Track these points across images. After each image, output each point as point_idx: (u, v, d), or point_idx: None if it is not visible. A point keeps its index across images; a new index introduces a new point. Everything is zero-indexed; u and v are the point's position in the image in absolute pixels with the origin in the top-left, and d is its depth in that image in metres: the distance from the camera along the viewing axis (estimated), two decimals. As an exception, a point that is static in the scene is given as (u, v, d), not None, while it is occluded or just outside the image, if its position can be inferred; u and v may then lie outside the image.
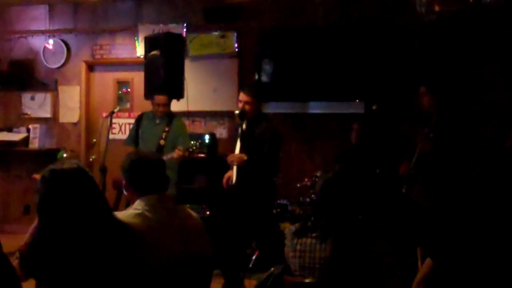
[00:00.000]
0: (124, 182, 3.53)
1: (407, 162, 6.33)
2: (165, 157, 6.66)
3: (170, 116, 7.01)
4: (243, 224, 6.23)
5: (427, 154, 5.96)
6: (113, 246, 3.04)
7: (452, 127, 6.00)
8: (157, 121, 6.96)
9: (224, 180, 6.37)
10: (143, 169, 3.50)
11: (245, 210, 6.15)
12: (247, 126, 6.24)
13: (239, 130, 6.27)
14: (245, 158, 6.09)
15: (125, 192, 3.59)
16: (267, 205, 6.41)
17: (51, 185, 3.03)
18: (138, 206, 3.38)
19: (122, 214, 3.35)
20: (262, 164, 6.16)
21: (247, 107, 6.20)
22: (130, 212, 3.36)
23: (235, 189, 6.21)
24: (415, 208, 6.09)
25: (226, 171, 6.41)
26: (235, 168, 6.19)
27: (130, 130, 7.34)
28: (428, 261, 4.94)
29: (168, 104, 6.96)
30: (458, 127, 6.06)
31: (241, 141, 6.22)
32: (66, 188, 3.02)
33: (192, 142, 6.88)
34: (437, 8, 5.31)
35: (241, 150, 6.16)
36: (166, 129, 6.90)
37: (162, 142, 6.83)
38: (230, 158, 6.15)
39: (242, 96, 6.25)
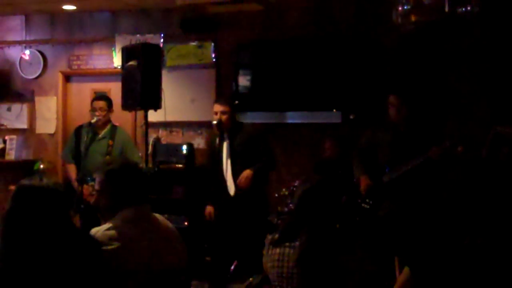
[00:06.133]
0: (100, 190, 3.44)
1: (366, 177, 6.33)
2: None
3: (112, 129, 6.99)
4: (236, 236, 6.27)
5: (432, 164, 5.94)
6: (79, 263, 2.98)
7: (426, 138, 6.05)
8: (99, 136, 6.91)
9: (207, 217, 6.46)
10: (125, 180, 3.43)
11: (243, 221, 6.20)
12: (228, 137, 6.30)
13: (217, 141, 6.30)
14: (251, 173, 6.15)
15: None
16: (264, 215, 6.50)
17: (17, 200, 2.98)
18: (117, 219, 3.34)
19: (100, 228, 3.31)
20: (267, 166, 6.36)
21: (223, 117, 6.24)
22: (108, 225, 3.32)
23: (232, 200, 6.25)
24: (387, 218, 6.11)
25: (204, 181, 6.45)
26: (231, 180, 6.22)
27: (67, 144, 7.30)
28: (405, 270, 4.96)
29: (107, 111, 6.95)
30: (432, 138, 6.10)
31: (229, 152, 6.27)
32: (29, 205, 2.96)
33: (140, 154, 6.85)
34: (413, 19, 5.33)
35: (232, 162, 6.20)
36: (110, 142, 6.85)
37: (107, 158, 6.68)
38: (241, 184, 6.21)
39: (218, 107, 6.30)
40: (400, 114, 6.15)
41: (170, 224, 3.63)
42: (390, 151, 6.22)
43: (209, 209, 6.52)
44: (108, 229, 3.30)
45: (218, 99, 6.70)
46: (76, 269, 2.95)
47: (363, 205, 6.29)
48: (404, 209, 5.99)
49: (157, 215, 3.59)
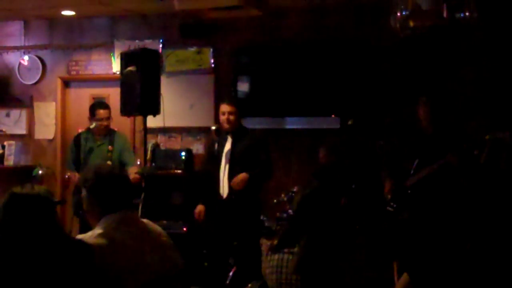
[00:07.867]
0: (85, 198, 3.41)
1: (391, 181, 6.31)
2: None
3: (111, 133, 7.03)
4: (229, 239, 6.26)
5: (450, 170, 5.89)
6: (69, 271, 2.95)
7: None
8: (99, 142, 6.94)
9: (196, 216, 6.43)
10: (110, 185, 3.37)
11: (234, 225, 6.18)
12: (232, 139, 6.27)
13: (216, 145, 6.28)
14: (247, 177, 6.13)
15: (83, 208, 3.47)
16: (256, 219, 6.48)
17: (6, 209, 2.97)
18: (102, 225, 3.30)
19: (85, 236, 3.28)
20: (263, 174, 6.29)
21: (231, 118, 6.22)
22: (94, 233, 3.27)
23: (224, 204, 6.23)
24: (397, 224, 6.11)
25: (203, 187, 6.44)
26: (226, 182, 6.20)
27: (68, 154, 7.33)
28: (404, 275, 4.95)
29: (110, 118, 6.99)
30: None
31: (229, 155, 6.24)
32: (18, 214, 2.94)
33: (138, 162, 6.86)
34: (411, 24, 5.33)
35: (230, 165, 6.18)
36: (110, 148, 6.87)
37: (109, 163, 6.74)
38: (234, 185, 6.15)
39: (226, 107, 6.26)
40: (429, 116, 6.15)
41: (159, 229, 3.56)
42: (417, 154, 6.19)
43: (199, 208, 6.47)
44: (93, 236, 3.26)
45: (225, 99, 6.57)
46: (67, 277, 2.93)
47: (388, 208, 6.27)
48: (416, 216, 5.96)
49: (145, 220, 3.53)
